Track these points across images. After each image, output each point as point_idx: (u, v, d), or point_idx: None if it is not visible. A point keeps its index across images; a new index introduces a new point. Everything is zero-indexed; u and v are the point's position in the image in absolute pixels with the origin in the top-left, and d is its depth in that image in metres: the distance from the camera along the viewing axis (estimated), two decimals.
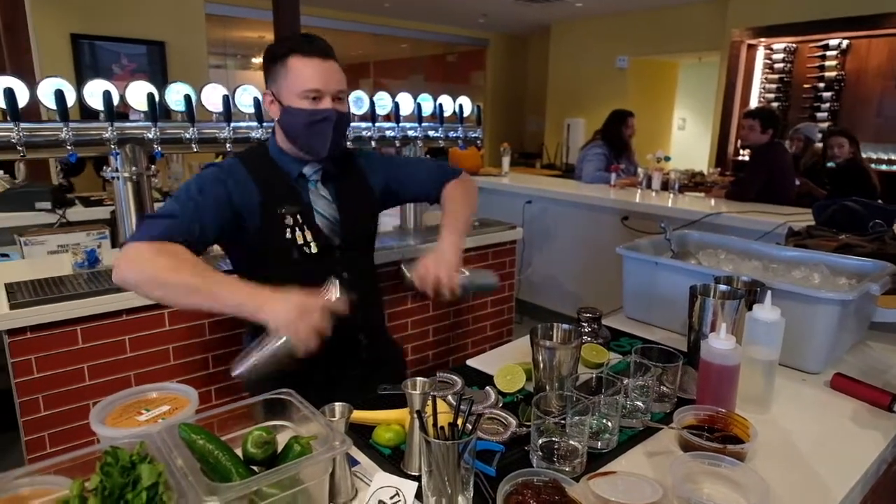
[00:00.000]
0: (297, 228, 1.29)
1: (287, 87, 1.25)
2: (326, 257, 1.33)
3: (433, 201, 1.56)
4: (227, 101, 1.92)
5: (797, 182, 3.69)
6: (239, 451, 0.75)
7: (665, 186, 3.87)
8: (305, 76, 1.23)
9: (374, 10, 7.33)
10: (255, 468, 0.74)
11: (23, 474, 0.69)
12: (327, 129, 1.26)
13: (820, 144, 4.30)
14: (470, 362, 1.33)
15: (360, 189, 1.44)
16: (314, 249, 1.30)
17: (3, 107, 1.58)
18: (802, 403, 1.16)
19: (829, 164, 3.86)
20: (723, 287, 1.26)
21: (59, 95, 1.64)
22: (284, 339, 0.99)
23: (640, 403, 1.04)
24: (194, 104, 1.87)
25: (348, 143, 1.66)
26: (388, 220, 2.54)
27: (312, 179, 1.36)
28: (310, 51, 1.24)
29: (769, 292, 1.13)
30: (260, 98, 1.98)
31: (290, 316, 0.98)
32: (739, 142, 5.13)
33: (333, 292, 1.05)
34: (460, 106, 2.47)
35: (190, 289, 1.04)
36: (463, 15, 7.51)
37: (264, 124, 1.98)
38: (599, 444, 0.96)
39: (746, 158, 5.63)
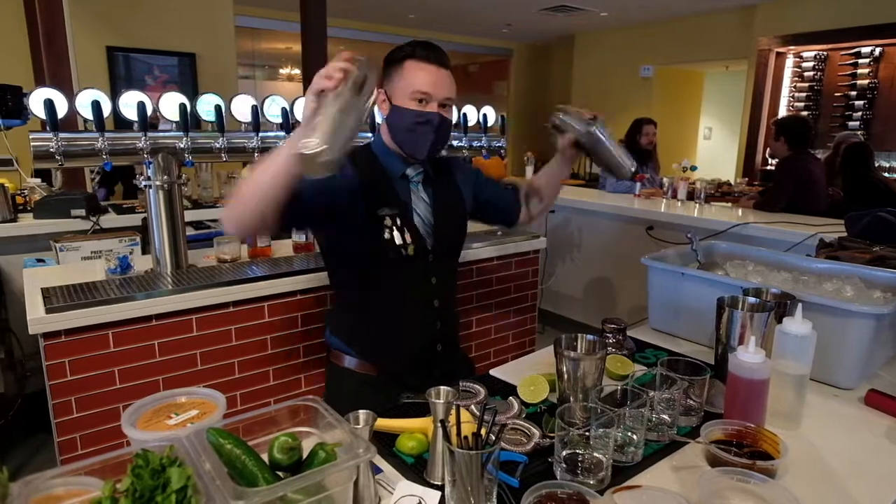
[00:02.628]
0: (395, 229, 1.33)
1: (399, 88, 1.29)
2: (420, 261, 1.37)
3: (513, 223, 1.63)
4: (256, 112, 1.97)
5: (830, 191, 3.59)
6: (265, 457, 0.76)
7: (691, 196, 3.82)
8: (418, 79, 1.28)
9: (399, 21, 7.43)
10: (280, 473, 0.75)
11: (57, 475, 0.70)
12: (429, 132, 1.30)
13: None
14: (493, 372, 1.33)
15: (454, 195, 1.48)
16: (410, 252, 1.34)
17: (44, 117, 1.64)
18: (835, 420, 1.13)
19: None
20: (751, 299, 1.24)
21: (96, 106, 1.69)
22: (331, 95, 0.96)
23: (665, 417, 1.03)
24: (224, 114, 1.91)
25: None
26: None
27: (415, 181, 1.40)
28: (426, 57, 1.28)
29: (800, 305, 1.10)
30: (287, 108, 2.03)
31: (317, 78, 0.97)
32: (768, 151, 5.06)
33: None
34: (484, 116, 2.47)
35: (259, 177, 1.03)
36: (487, 25, 7.56)
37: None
38: (624, 457, 0.95)
39: (773, 168, 5.54)
